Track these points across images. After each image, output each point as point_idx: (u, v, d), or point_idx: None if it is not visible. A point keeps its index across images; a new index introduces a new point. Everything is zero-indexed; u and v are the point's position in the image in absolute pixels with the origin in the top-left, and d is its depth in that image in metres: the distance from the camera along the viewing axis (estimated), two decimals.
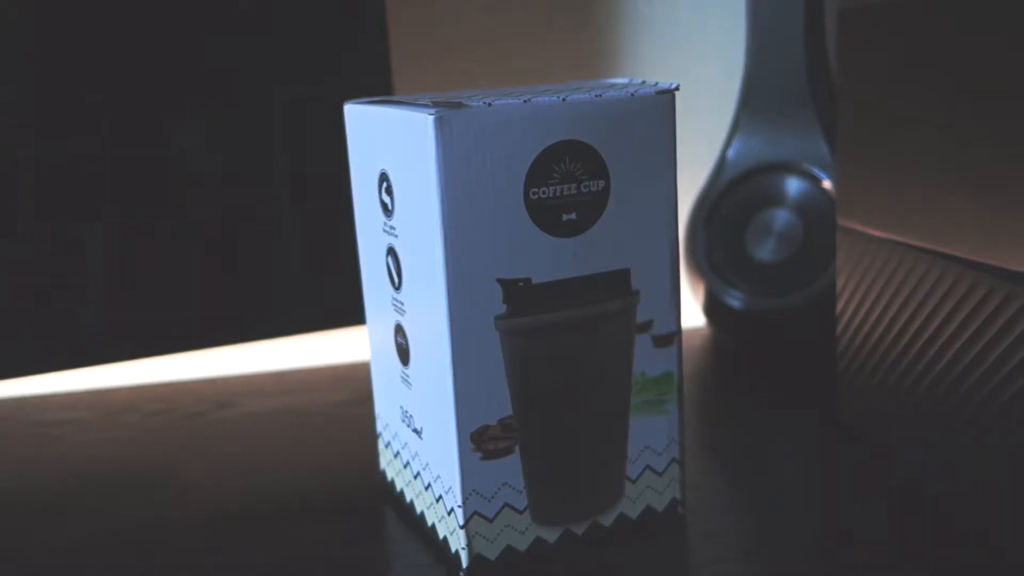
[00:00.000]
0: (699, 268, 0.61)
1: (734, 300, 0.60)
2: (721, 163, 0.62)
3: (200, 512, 0.43)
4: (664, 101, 0.35)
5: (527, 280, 0.34)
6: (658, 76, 0.61)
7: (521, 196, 0.33)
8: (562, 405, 0.36)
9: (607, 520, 0.37)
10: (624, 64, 0.65)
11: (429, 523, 0.38)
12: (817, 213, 0.59)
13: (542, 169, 0.33)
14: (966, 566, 0.36)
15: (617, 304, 0.36)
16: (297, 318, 0.56)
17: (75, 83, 0.50)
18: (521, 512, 0.36)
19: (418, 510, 0.39)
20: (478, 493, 0.35)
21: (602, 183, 0.34)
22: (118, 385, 0.61)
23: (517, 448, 0.35)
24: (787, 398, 0.53)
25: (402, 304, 0.36)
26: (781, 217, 0.60)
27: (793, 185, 0.60)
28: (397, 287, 0.36)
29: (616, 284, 0.35)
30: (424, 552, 0.38)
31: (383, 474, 0.42)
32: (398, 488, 0.40)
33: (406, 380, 0.37)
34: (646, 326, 0.36)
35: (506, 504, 0.35)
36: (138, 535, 0.41)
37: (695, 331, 0.66)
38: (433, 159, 0.31)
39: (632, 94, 0.34)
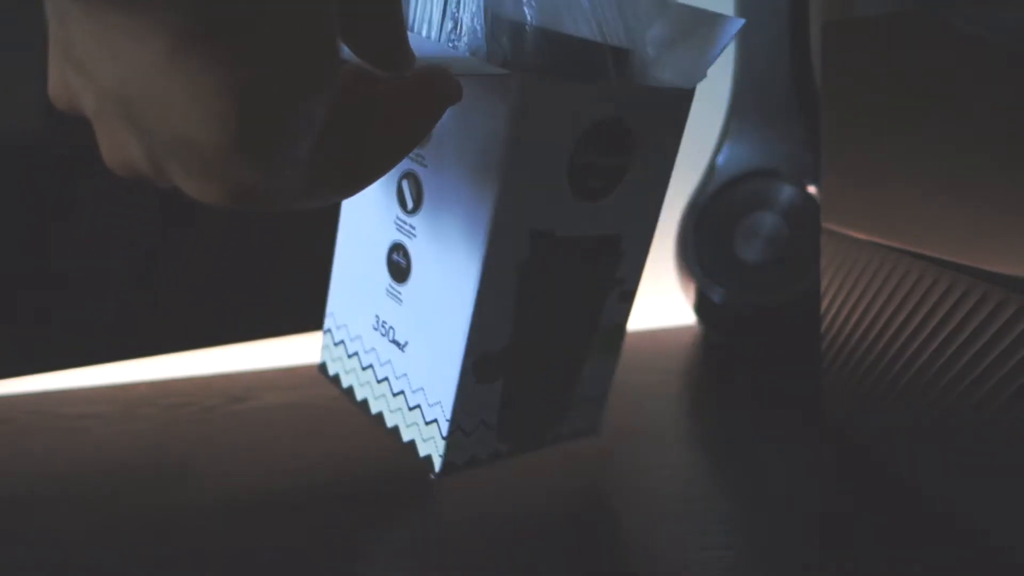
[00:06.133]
0: (690, 269, 0.61)
1: (723, 300, 0.60)
2: (711, 169, 0.62)
3: (216, 501, 0.43)
4: (687, 96, 0.37)
5: (552, 233, 0.35)
6: None
7: (566, 160, 0.34)
8: (553, 340, 0.38)
9: (547, 438, 0.40)
10: None
11: (389, 424, 0.39)
12: (802, 217, 0.59)
13: (588, 138, 0.34)
14: (945, 554, 0.36)
15: (611, 261, 0.38)
16: (308, 316, 0.56)
17: None
18: (491, 428, 0.38)
19: (374, 409, 0.40)
20: (465, 411, 0.36)
21: (625, 159, 0.36)
22: (137, 380, 0.61)
23: (503, 375, 0.37)
24: (773, 393, 0.53)
25: (412, 227, 0.37)
26: (768, 220, 0.59)
27: (779, 190, 0.59)
28: (410, 210, 0.37)
29: (611, 244, 0.37)
30: (442, 540, 0.38)
31: (324, 367, 0.42)
32: (346, 385, 0.41)
33: (395, 296, 0.38)
34: (620, 281, 0.39)
35: (482, 421, 0.37)
36: (156, 523, 0.41)
37: (686, 329, 0.66)
38: (508, 118, 0.32)
39: (669, 86, 0.36)
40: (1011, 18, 0.33)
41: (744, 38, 0.60)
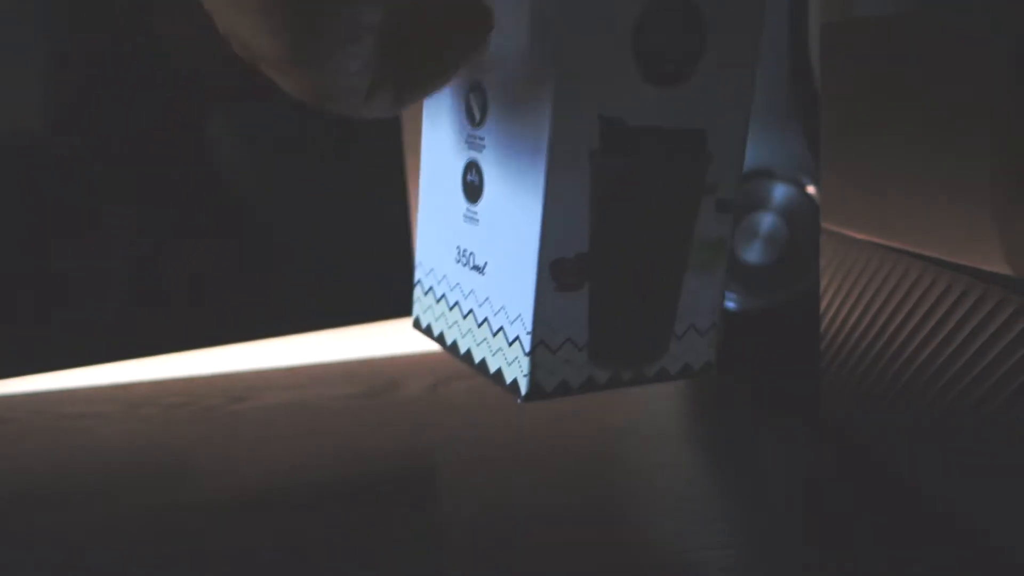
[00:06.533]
0: None
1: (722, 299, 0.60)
2: None
3: (216, 501, 0.43)
4: None
5: (622, 120, 0.34)
6: None
7: (630, 39, 0.33)
8: (634, 247, 0.36)
9: (650, 371, 0.37)
10: None
11: (477, 359, 0.37)
12: (802, 217, 0.58)
13: (654, 15, 0.33)
14: (945, 554, 0.36)
15: (698, 162, 0.36)
16: (308, 316, 0.56)
17: (102, 84, 0.50)
18: (580, 349, 0.35)
19: (463, 349, 0.38)
20: (546, 323, 0.34)
21: (698, 41, 0.34)
22: (138, 380, 0.61)
23: (587, 285, 0.35)
24: (773, 394, 0.53)
25: (481, 139, 0.36)
26: (767, 221, 0.59)
27: (778, 190, 0.59)
28: (478, 122, 0.36)
29: (695, 141, 0.36)
30: (442, 539, 0.38)
31: (417, 321, 0.41)
32: (436, 332, 0.40)
33: (472, 218, 0.37)
34: (712, 188, 0.36)
35: (569, 339, 0.35)
36: (156, 523, 0.41)
37: None
38: None
39: None
40: (1010, 19, 0.33)
41: None
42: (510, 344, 0.36)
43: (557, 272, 0.34)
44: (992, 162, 0.33)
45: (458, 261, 0.38)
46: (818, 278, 0.48)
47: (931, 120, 0.37)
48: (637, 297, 0.37)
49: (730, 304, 0.59)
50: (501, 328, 0.36)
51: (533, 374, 0.35)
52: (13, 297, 0.49)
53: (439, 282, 0.40)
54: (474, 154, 0.36)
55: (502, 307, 0.36)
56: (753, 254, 0.59)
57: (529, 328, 0.34)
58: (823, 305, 0.46)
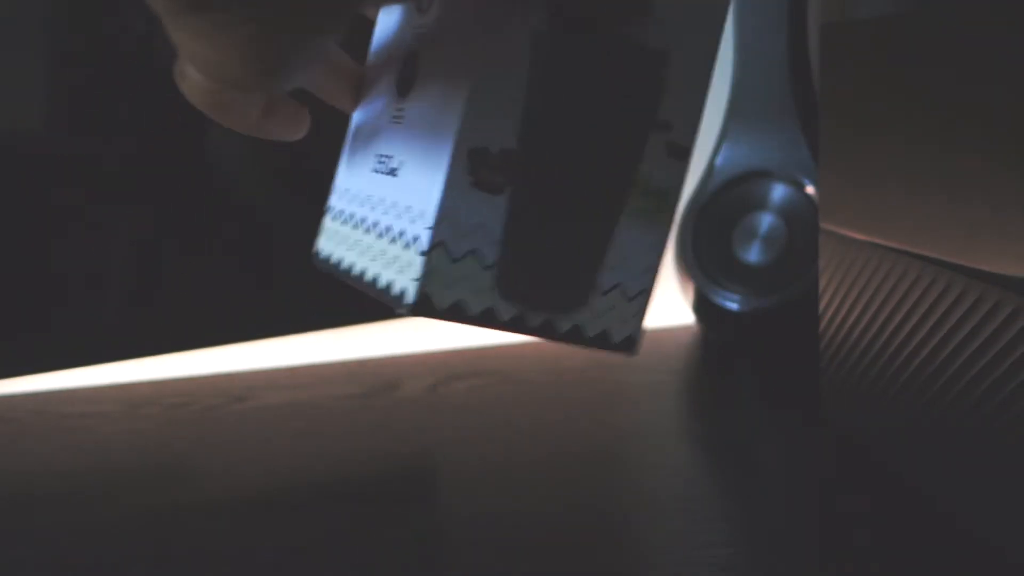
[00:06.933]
0: (688, 269, 0.61)
1: (722, 300, 0.60)
2: (709, 169, 0.62)
3: (216, 501, 0.43)
4: None
5: (573, 4, 0.30)
6: None
7: None
8: (567, 162, 0.31)
9: (563, 324, 0.33)
10: None
11: (370, 277, 0.33)
12: (800, 217, 0.58)
13: None
14: (945, 554, 0.36)
15: (652, 86, 0.32)
16: (308, 316, 0.56)
17: (102, 84, 0.49)
18: (486, 268, 0.31)
19: (358, 269, 0.34)
20: (453, 222, 0.30)
21: None
22: (138, 380, 0.61)
23: (508, 191, 0.30)
24: (773, 393, 0.53)
25: (423, 26, 0.33)
26: (766, 221, 0.59)
27: (778, 190, 0.59)
28: (424, 8, 0.33)
29: (653, 62, 0.32)
30: (441, 539, 0.38)
31: (316, 256, 0.37)
32: (336, 259, 0.36)
33: (397, 118, 0.33)
34: (665, 127, 0.32)
35: (475, 251, 0.31)
36: (156, 523, 0.41)
37: (684, 329, 0.66)
38: None
39: None
40: (1010, 18, 0.32)
41: (743, 39, 0.60)
42: (407, 247, 0.31)
43: (476, 163, 0.30)
44: (992, 162, 0.33)
45: (375, 171, 0.34)
46: (817, 278, 0.48)
47: (931, 120, 0.37)
48: (562, 223, 0.32)
49: (731, 305, 0.59)
50: (402, 232, 0.31)
51: (425, 280, 0.30)
52: (13, 297, 0.49)
53: (350, 201, 0.36)
54: (416, 45, 0.33)
55: (407, 207, 0.31)
56: (753, 254, 0.59)
57: (431, 223, 0.30)
58: (822, 305, 0.46)
